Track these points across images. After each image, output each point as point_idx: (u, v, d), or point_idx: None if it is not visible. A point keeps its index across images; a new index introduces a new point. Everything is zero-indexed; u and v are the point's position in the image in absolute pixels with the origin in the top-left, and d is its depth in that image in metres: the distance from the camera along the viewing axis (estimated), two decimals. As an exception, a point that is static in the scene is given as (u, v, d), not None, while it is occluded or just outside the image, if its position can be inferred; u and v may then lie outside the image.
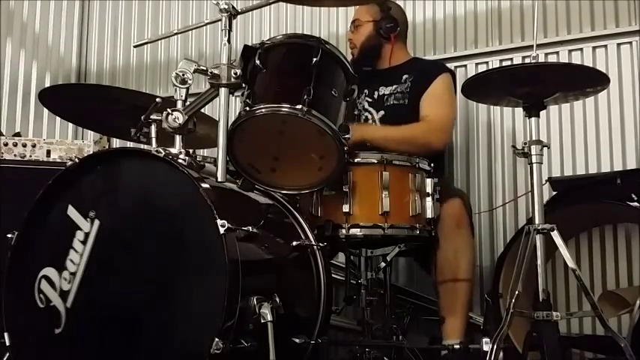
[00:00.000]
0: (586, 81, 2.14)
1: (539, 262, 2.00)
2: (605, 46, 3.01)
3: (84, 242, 1.80)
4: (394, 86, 2.79)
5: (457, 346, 2.19)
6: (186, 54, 3.87)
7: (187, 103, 1.98)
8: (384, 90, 2.80)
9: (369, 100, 2.83)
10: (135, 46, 3.89)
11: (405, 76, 2.78)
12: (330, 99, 2.06)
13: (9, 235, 1.89)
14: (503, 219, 3.10)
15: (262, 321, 1.64)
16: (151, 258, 1.73)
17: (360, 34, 2.85)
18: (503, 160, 3.14)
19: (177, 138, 1.96)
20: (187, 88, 1.97)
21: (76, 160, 1.90)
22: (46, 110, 2.85)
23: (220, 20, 2.05)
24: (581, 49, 3.05)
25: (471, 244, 2.48)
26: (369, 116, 2.81)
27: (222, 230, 1.61)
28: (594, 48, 3.03)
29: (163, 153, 1.80)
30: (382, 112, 2.79)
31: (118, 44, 4.17)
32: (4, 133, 3.11)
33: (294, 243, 1.90)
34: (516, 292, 1.95)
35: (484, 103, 2.87)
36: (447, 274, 2.37)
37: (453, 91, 2.76)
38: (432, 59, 3.16)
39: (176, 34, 2.86)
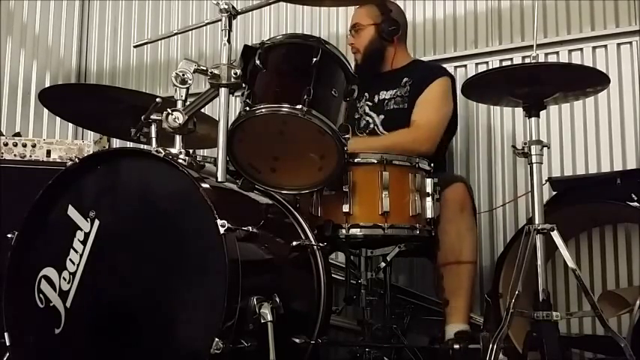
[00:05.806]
0: (586, 81, 2.14)
1: (539, 262, 2.01)
2: (605, 46, 3.01)
3: (84, 242, 1.80)
4: (394, 90, 2.77)
5: (457, 346, 2.19)
6: (186, 54, 3.87)
7: (187, 103, 1.98)
8: (385, 94, 2.79)
9: (370, 104, 2.81)
10: (135, 46, 3.87)
11: (405, 80, 2.77)
12: (330, 99, 2.06)
13: (9, 235, 1.89)
14: (503, 219, 3.10)
15: (262, 321, 1.64)
16: (150, 258, 1.73)
17: (362, 37, 2.83)
18: (503, 160, 3.14)
19: (177, 138, 1.96)
20: (187, 88, 1.97)
21: (76, 160, 1.90)
22: (46, 110, 2.85)
23: (220, 20, 2.05)
24: (581, 49, 3.05)
25: (474, 227, 2.50)
26: (370, 120, 2.80)
27: (222, 230, 1.61)
28: (594, 48, 3.02)
29: (163, 153, 1.80)
30: (382, 116, 2.77)
31: (118, 44, 4.17)
32: (4, 133, 3.10)
33: (294, 243, 1.90)
34: (516, 292, 1.95)
35: (484, 103, 2.86)
36: (450, 257, 2.37)
37: (450, 96, 2.75)
38: (433, 62, 3.15)
39: (176, 34, 2.86)
